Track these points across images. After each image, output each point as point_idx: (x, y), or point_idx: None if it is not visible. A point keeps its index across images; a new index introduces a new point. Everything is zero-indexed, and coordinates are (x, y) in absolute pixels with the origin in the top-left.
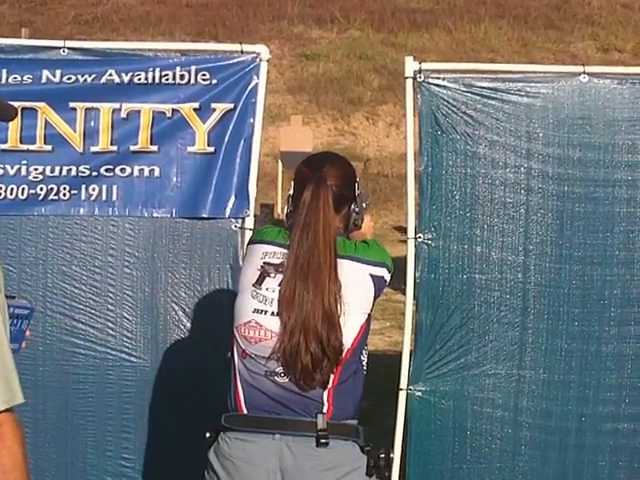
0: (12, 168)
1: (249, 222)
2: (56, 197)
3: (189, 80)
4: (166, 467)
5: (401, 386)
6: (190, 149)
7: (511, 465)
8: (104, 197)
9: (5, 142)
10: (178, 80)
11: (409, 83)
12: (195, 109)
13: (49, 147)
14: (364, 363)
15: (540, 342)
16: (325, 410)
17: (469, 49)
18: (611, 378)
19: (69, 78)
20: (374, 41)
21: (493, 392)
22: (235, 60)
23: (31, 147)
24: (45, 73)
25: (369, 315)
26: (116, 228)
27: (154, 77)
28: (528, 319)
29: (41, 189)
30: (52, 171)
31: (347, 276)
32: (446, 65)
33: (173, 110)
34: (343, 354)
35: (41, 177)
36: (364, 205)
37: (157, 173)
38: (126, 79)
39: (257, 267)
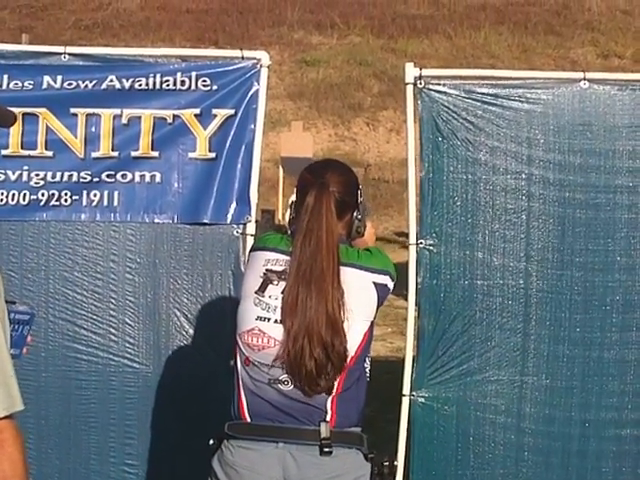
0: (13, 174)
1: (250, 228)
2: (57, 203)
3: (190, 86)
4: (169, 473)
5: (404, 392)
6: (191, 155)
7: (514, 471)
8: (105, 203)
9: (6, 148)
10: (179, 86)
11: (409, 89)
12: (196, 115)
13: (50, 153)
14: (367, 370)
15: (542, 348)
16: (328, 418)
17: (469, 55)
18: (613, 384)
19: (70, 84)
20: (374, 47)
21: (496, 398)
22: (236, 66)
23: (32, 153)
24: (46, 79)
25: (372, 323)
26: (117, 234)
27: (155, 83)
28: (530, 325)
29: (42, 195)
30: (53, 177)
31: (350, 284)
32: (446, 71)
33: (174, 116)
34: (347, 360)
35: (42, 183)
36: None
37: (158, 179)
38: (127, 85)
39: (260, 274)
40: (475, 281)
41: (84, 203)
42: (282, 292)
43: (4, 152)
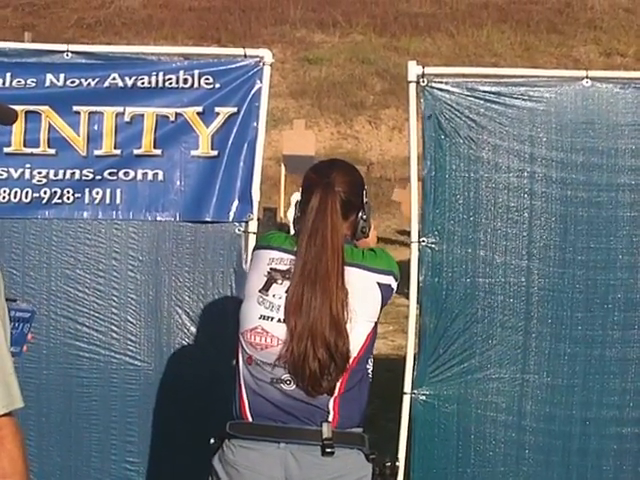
0: (16, 171)
1: (252, 226)
2: (60, 201)
3: (192, 84)
4: (170, 471)
5: (405, 390)
6: (194, 153)
7: (515, 469)
8: (108, 201)
9: (9, 145)
10: (181, 84)
11: (412, 87)
12: (199, 113)
13: (53, 151)
14: (369, 371)
15: (544, 346)
16: (330, 418)
17: (472, 53)
18: (615, 382)
19: (72, 82)
20: (376, 45)
21: (497, 396)
22: (238, 64)
23: (35, 151)
24: (49, 77)
25: (376, 323)
26: (120, 232)
27: (157, 81)
28: (532, 323)
29: (45, 192)
30: (56, 174)
31: (354, 284)
32: (449, 69)
33: (177, 114)
34: (350, 361)
35: (45, 180)
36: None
37: (161, 177)
38: (129, 83)
39: (263, 273)
40: (477, 279)
41: (86, 201)
42: (286, 291)
43: (7, 150)
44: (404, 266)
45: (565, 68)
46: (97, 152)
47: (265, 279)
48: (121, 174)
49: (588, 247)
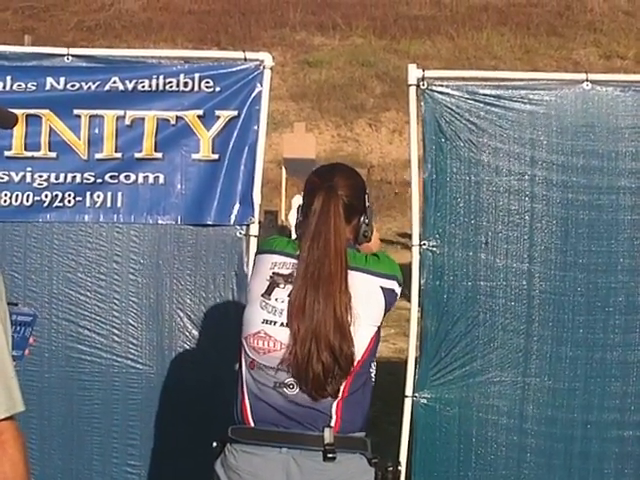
0: (17, 175)
1: (254, 229)
2: (61, 204)
3: (193, 87)
4: (171, 474)
5: (406, 393)
6: (194, 156)
7: (516, 473)
8: (109, 204)
9: (10, 149)
10: (182, 87)
11: (412, 90)
12: (199, 116)
13: (54, 154)
14: (372, 375)
15: (545, 349)
16: (333, 423)
17: (471, 56)
18: (616, 385)
19: (73, 85)
20: (376, 48)
21: (498, 399)
22: (239, 68)
23: (36, 154)
24: (49, 80)
25: (379, 327)
26: (121, 235)
27: (158, 84)
28: (533, 326)
29: (46, 196)
30: (57, 178)
31: (358, 288)
32: (449, 72)
33: (177, 117)
34: (354, 364)
35: (46, 184)
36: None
37: (162, 180)
38: (130, 86)
39: (266, 277)
40: (478, 282)
41: (87, 204)
42: (289, 295)
43: (7, 153)
44: (405, 269)
45: (565, 71)
46: (98, 156)
47: (267, 283)
48: (122, 177)
49: (589, 250)
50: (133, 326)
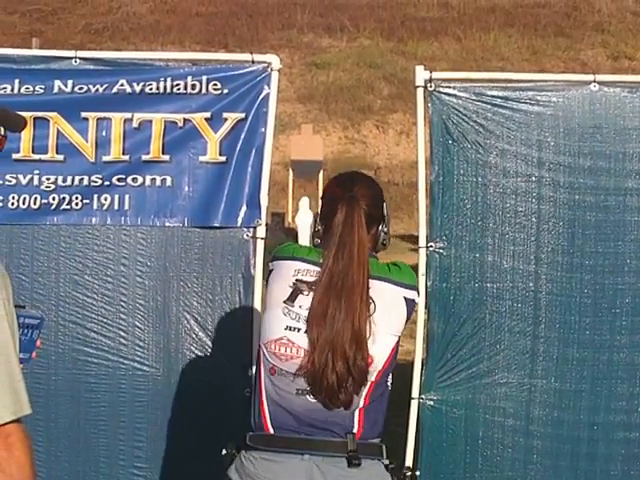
0: (25, 178)
1: (261, 231)
2: (68, 207)
3: (200, 90)
4: (178, 476)
5: (413, 395)
6: (202, 158)
7: (523, 474)
8: (116, 206)
9: (18, 152)
10: (189, 90)
11: (420, 92)
12: (207, 119)
13: (61, 157)
14: (389, 383)
15: (551, 351)
16: (355, 430)
17: (479, 57)
18: (622, 387)
19: (81, 88)
20: (384, 49)
21: (505, 401)
22: (246, 70)
23: (43, 157)
24: (57, 83)
25: (399, 338)
26: (128, 237)
27: (165, 87)
28: (539, 328)
29: (53, 199)
30: (64, 181)
31: (382, 297)
32: (457, 74)
33: (185, 120)
34: (370, 375)
35: (53, 187)
36: None
37: (169, 182)
38: (137, 89)
39: (289, 284)
40: (485, 284)
41: (95, 207)
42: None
43: (15, 156)
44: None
45: (572, 71)
46: (105, 158)
47: (290, 290)
48: (129, 180)
49: (596, 251)
50: (140, 328)
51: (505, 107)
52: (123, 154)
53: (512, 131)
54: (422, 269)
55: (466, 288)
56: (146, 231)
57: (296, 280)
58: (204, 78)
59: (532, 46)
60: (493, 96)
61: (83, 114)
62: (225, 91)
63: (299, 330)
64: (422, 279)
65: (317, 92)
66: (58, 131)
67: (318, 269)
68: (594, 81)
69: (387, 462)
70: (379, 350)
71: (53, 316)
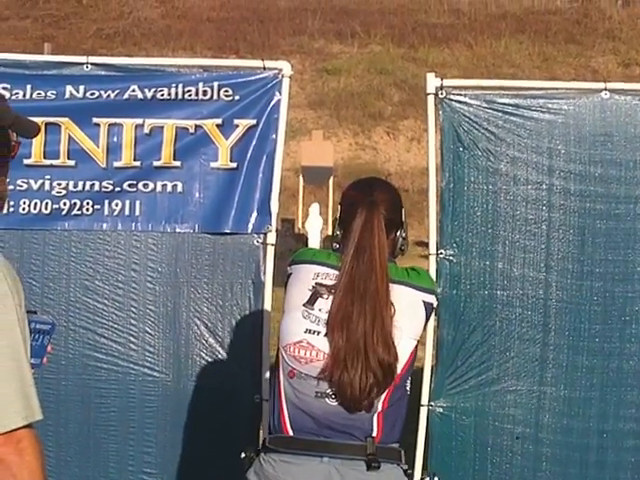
0: (36, 183)
1: (271, 237)
2: (79, 212)
3: (212, 96)
4: None
5: (422, 402)
6: (213, 165)
7: None
8: (127, 212)
9: (29, 157)
10: (201, 96)
11: (431, 99)
12: (218, 125)
13: (72, 162)
14: (408, 388)
15: (561, 358)
16: (374, 434)
17: (490, 64)
18: (632, 395)
19: (92, 94)
20: (395, 56)
21: (514, 408)
22: (257, 76)
23: (54, 162)
24: (68, 89)
25: (418, 341)
26: (139, 243)
27: (177, 93)
28: (549, 335)
29: (64, 204)
30: (75, 186)
31: (401, 301)
32: (467, 82)
33: (196, 126)
34: (395, 378)
35: (64, 192)
36: None
37: (180, 189)
38: (149, 95)
39: (308, 287)
40: (495, 291)
41: (106, 212)
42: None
43: (27, 161)
44: None
45: (583, 78)
46: (116, 164)
47: (310, 293)
48: (140, 186)
49: (606, 259)
50: (150, 334)
51: (516, 115)
52: (134, 160)
53: (523, 139)
54: (432, 276)
55: (476, 295)
56: (157, 237)
57: (315, 284)
58: (215, 84)
59: (543, 53)
60: (504, 104)
61: (94, 120)
62: (236, 97)
63: (319, 333)
64: None
65: (328, 98)
66: (69, 137)
67: (337, 273)
68: (605, 89)
69: (406, 467)
70: (399, 353)
71: (63, 321)
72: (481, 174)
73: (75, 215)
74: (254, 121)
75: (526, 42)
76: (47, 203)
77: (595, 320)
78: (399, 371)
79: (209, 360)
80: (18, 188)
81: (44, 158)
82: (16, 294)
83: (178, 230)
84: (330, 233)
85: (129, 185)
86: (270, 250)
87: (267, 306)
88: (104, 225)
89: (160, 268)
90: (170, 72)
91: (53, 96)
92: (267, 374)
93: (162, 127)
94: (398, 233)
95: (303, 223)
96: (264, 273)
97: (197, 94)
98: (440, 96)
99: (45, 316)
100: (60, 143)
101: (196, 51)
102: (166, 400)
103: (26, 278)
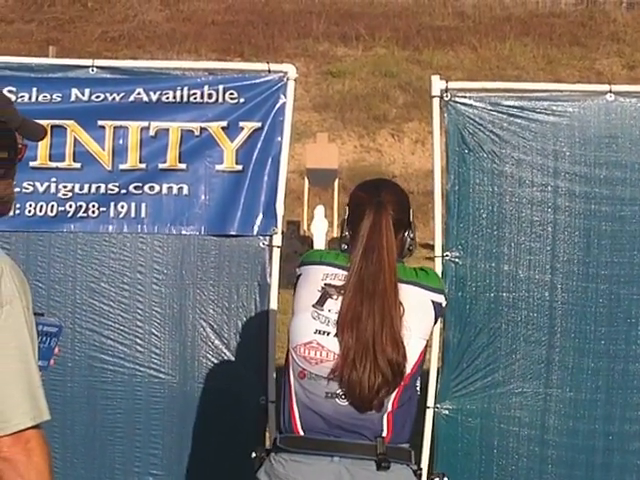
0: (42, 185)
1: (276, 239)
2: (85, 214)
3: (217, 99)
4: None
5: (428, 404)
6: (218, 167)
7: None
8: (133, 214)
9: (35, 160)
10: (206, 99)
11: (436, 102)
12: (223, 128)
13: (78, 165)
14: (418, 388)
15: (567, 360)
16: (384, 434)
17: (494, 66)
18: (638, 397)
19: (98, 96)
20: (399, 58)
21: (520, 410)
22: (263, 79)
23: (60, 165)
24: (74, 91)
25: (427, 341)
26: (145, 245)
27: (182, 96)
28: (555, 337)
29: (70, 206)
30: (81, 189)
31: (410, 301)
32: (472, 84)
33: (201, 129)
34: (404, 378)
35: (70, 194)
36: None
37: (185, 191)
38: (154, 98)
39: (317, 288)
40: (500, 293)
41: (111, 215)
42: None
43: (32, 164)
44: None
45: (588, 81)
46: (122, 166)
47: (319, 294)
48: (146, 188)
49: (612, 261)
50: (156, 336)
51: (521, 117)
52: (140, 162)
53: (528, 141)
54: None
55: (482, 297)
56: (162, 239)
57: (325, 284)
58: (220, 87)
59: (547, 55)
60: (509, 106)
61: (100, 122)
62: (242, 100)
63: (329, 334)
64: None
65: (332, 101)
66: (75, 139)
67: (346, 273)
68: (610, 91)
69: (415, 467)
70: (409, 353)
71: (69, 323)
72: (486, 176)
73: (81, 217)
74: (259, 124)
75: (531, 45)
76: (53, 205)
77: (601, 322)
78: (408, 371)
79: (215, 362)
80: (24, 190)
81: (50, 160)
82: (24, 295)
83: (184, 232)
84: (335, 235)
85: (135, 187)
86: (276, 252)
87: (273, 308)
88: (110, 227)
89: (166, 270)
90: (175, 75)
91: (59, 99)
92: (273, 376)
93: (167, 130)
94: (406, 234)
95: (308, 225)
96: (270, 275)
97: (202, 97)
98: (445, 98)
99: (52, 318)
100: (66, 146)
101: (201, 54)
102: (172, 402)
103: (32, 280)
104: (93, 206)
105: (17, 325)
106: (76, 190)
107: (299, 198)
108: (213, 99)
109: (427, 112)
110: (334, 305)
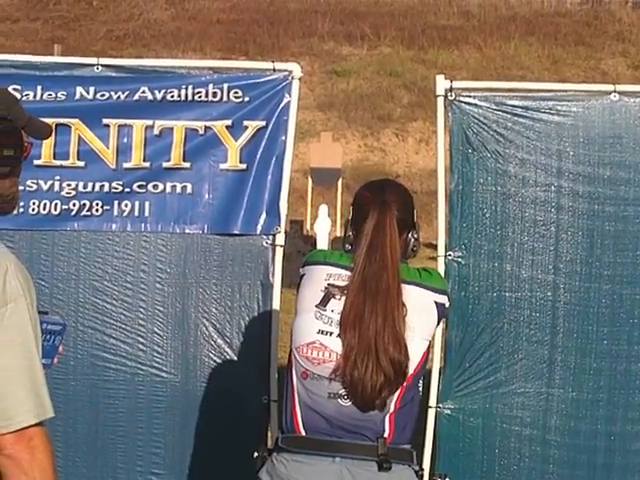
0: (45, 183)
1: (280, 239)
2: (89, 213)
3: (221, 98)
4: None
5: (430, 404)
6: (222, 166)
7: None
8: (136, 213)
9: (39, 158)
10: (211, 97)
11: (440, 101)
12: (227, 126)
13: (82, 163)
14: (420, 389)
15: (569, 360)
16: (386, 435)
17: (499, 66)
18: None
19: (102, 95)
20: (404, 58)
21: (522, 410)
22: (267, 78)
23: (64, 163)
24: (79, 90)
25: (430, 342)
26: (148, 244)
27: (187, 94)
28: (557, 337)
29: (74, 205)
30: (85, 187)
31: (413, 302)
32: (477, 83)
33: (206, 127)
34: (406, 378)
35: (74, 193)
36: None
37: (189, 190)
38: (159, 96)
39: (320, 288)
40: (503, 293)
41: (115, 213)
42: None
43: (37, 162)
44: None
45: (593, 81)
46: (126, 165)
47: (322, 294)
48: (150, 187)
49: (615, 261)
50: (159, 335)
51: (525, 117)
52: (144, 161)
53: (532, 141)
54: None
55: (484, 297)
56: (166, 238)
57: (328, 284)
58: (225, 86)
59: (552, 55)
60: (513, 106)
61: (104, 121)
62: (246, 99)
63: (331, 334)
64: None
65: (337, 100)
66: (79, 137)
67: (349, 273)
68: (614, 91)
69: (417, 468)
70: (412, 354)
71: (72, 322)
72: (490, 176)
73: (84, 216)
74: (263, 123)
75: (535, 44)
76: (57, 204)
77: (603, 322)
78: (411, 371)
79: (217, 361)
80: (28, 189)
81: (54, 159)
82: (28, 293)
83: (187, 231)
84: (339, 234)
85: (139, 186)
86: (279, 251)
87: (275, 307)
88: (113, 226)
89: (169, 269)
90: (180, 74)
91: (63, 97)
92: (275, 375)
93: (172, 128)
94: (410, 234)
95: (312, 224)
96: (273, 274)
97: (207, 96)
98: (449, 98)
99: (56, 317)
100: (70, 144)
101: (206, 53)
102: (174, 401)
103: (35, 279)
104: (97, 204)
105: (21, 322)
106: (80, 188)
107: (302, 197)
108: (218, 98)
109: (431, 112)
110: (337, 305)
